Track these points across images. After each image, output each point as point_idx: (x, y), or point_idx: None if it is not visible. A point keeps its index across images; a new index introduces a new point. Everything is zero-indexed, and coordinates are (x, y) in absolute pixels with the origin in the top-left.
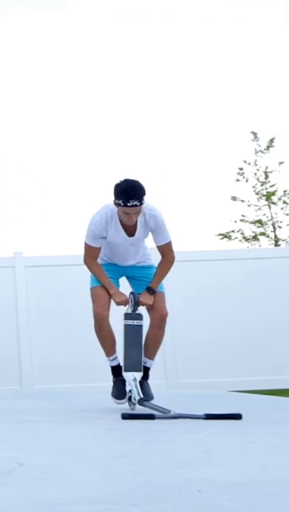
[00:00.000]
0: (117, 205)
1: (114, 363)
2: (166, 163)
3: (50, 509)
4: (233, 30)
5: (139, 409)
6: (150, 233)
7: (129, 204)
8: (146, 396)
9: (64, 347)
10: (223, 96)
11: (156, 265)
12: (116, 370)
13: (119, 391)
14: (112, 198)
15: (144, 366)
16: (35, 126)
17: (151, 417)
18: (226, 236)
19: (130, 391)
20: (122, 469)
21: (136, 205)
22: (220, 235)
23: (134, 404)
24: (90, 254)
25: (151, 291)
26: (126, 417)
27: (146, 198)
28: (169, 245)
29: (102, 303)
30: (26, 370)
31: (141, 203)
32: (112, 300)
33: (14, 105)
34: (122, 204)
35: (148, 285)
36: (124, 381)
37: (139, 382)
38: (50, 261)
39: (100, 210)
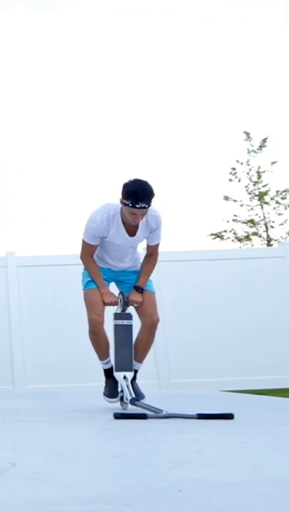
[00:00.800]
0: (125, 205)
1: (108, 366)
2: (159, 162)
3: (43, 509)
4: (227, 30)
5: (132, 408)
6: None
7: (137, 206)
8: (138, 395)
9: (56, 347)
10: (215, 96)
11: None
12: (109, 372)
13: (112, 390)
14: (120, 196)
15: (134, 369)
16: (32, 126)
17: (143, 416)
18: (218, 236)
19: (122, 391)
20: (115, 469)
21: (144, 208)
22: (212, 234)
23: (126, 403)
24: (87, 251)
25: (139, 289)
26: (118, 416)
27: (152, 200)
28: (158, 245)
29: (97, 310)
30: (19, 370)
31: (149, 205)
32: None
33: (13, 104)
34: (131, 205)
35: (135, 284)
36: (116, 381)
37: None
38: (42, 261)
39: (100, 209)
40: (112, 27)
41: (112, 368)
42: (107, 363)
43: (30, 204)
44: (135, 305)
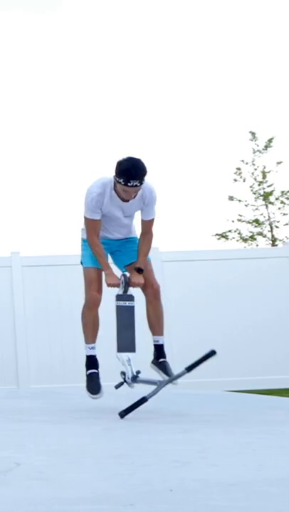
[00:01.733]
0: (118, 182)
1: (92, 352)
2: (164, 162)
3: (47, 509)
4: (232, 30)
5: (131, 399)
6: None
7: (129, 184)
8: (170, 374)
9: (61, 347)
10: (221, 96)
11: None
12: (92, 362)
13: (95, 385)
14: (113, 173)
15: (157, 345)
16: (33, 126)
17: (143, 400)
18: (222, 236)
19: (124, 373)
20: (119, 469)
21: (136, 186)
22: (216, 235)
23: (131, 383)
24: (93, 228)
25: (140, 271)
26: (123, 414)
27: (145, 177)
28: (152, 221)
29: (96, 287)
30: (23, 370)
31: (141, 183)
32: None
33: (14, 105)
34: (123, 183)
35: (135, 266)
36: (97, 374)
37: (161, 362)
38: (47, 261)
39: (96, 182)
40: (111, 28)
41: (95, 357)
42: (92, 348)
43: (35, 204)
44: (138, 286)
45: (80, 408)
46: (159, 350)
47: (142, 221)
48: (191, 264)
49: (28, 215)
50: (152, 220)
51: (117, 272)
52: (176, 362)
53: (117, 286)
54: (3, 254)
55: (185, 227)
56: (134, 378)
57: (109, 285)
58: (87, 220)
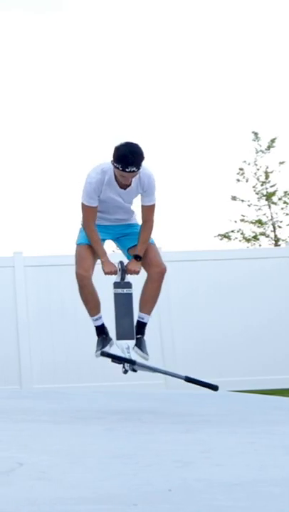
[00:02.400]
0: (116, 167)
1: (98, 323)
2: (167, 162)
3: (50, 509)
4: (234, 29)
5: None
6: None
7: (127, 170)
8: (144, 353)
9: (63, 347)
10: (224, 96)
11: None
12: (100, 330)
13: (103, 342)
14: (112, 158)
15: (141, 322)
16: (35, 126)
17: (131, 362)
18: (225, 236)
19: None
20: (121, 469)
21: (134, 171)
22: (219, 235)
23: (127, 370)
24: (89, 215)
25: (138, 258)
26: (105, 355)
27: (142, 162)
28: (153, 207)
29: (85, 265)
30: (26, 370)
31: (138, 169)
32: (100, 266)
33: (15, 105)
34: (121, 169)
35: (134, 253)
36: (107, 338)
37: (138, 338)
38: (49, 261)
39: (95, 167)
40: (112, 28)
41: (103, 325)
42: (98, 319)
43: (37, 204)
44: (134, 274)
45: (82, 408)
46: (141, 327)
47: (142, 207)
48: (193, 264)
49: (31, 215)
50: (152, 206)
51: (119, 258)
52: (178, 360)
53: (114, 273)
54: (6, 254)
55: (188, 227)
56: (133, 367)
57: (106, 273)
58: (84, 207)
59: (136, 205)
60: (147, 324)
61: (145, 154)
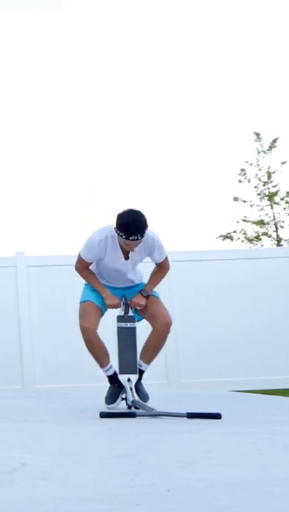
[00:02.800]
0: (119, 235)
1: (110, 373)
2: (168, 163)
3: (52, 509)
4: (235, 30)
5: (121, 408)
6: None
7: (131, 238)
8: (143, 396)
9: (66, 347)
10: (225, 96)
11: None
12: (112, 379)
13: (112, 397)
14: (114, 225)
15: (140, 369)
16: (36, 126)
17: (131, 415)
18: (227, 237)
19: (125, 392)
20: (124, 469)
21: (137, 239)
22: (221, 236)
23: (129, 405)
24: (82, 264)
25: (144, 293)
26: (104, 415)
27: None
28: (165, 261)
29: (90, 318)
30: (28, 370)
31: (142, 237)
32: (102, 310)
33: (16, 106)
34: (124, 237)
35: (142, 289)
36: (120, 388)
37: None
38: (51, 261)
39: (100, 230)
40: (112, 28)
41: (115, 373)
42: (108, 370)
43: (39, 204)
44: (138, 308)
45: (85, 408)
46: (138, 374)
47: (156, 264)
48: (196, 264)
49: (33, 215)
50: (164, 259)
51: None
52: (181, 361)
53: (117, 306)
54: (8, 254)
55: (190, 227)
56: (134, 403)
57: (109, 306)
58: (79, 257)
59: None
60: (144, 372)
61: (148, 222)
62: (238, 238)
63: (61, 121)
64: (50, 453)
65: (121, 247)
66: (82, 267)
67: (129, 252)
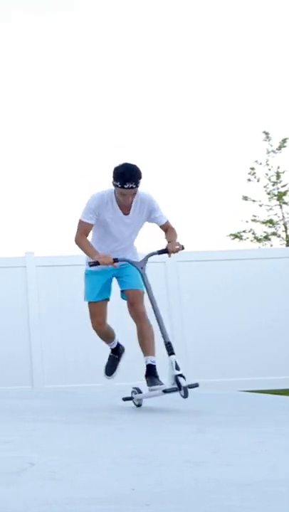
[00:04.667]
0: (115, 186)
1: (114, 346)
2: (178, 163)
3: (61, 509)
4: (245, 30)
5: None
6: (147, 221)
7: (126, 186)
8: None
9: (75, 346)
10: (234, 96)
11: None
12: (115, 350)
13: (109, 367)
14: (111, 179)
15: (151, 364)
16: (38, 126)
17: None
18: (236, 236)
19: (136, 389)
20: (133, 469)
21: (132, 188)
22: (231, 235)
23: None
24: (82, 230)
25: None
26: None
27: (142, 182)
28: (168, 222)
29: (99, 319)
30: (37, 370)
31: (137, 186)
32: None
33: (17, 106)
34: (120, 186)
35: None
36: (116, 358)
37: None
38: (61, 261)
39: (99, 191)
40: (113, 27)
41: (116, 347)
42: (112, 344)
43: (49, 204)
44: (176, 252)
45: (94, 408)
46: (152, 369)
47: (160, 227)
48: (204, 264)
49: (42, 216)
50: (168, 221)
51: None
52: (189, 361)
53: (113, 262)
54: (18, 255)
55: (199, 227)
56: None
57: (102, 263)
58: (80, 223)
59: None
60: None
61: (143, 174)
62: (247, 238)
63: (63, 121)
64: (59, 453)
65: (119, 206)
66: (82, 234)
67: (129, 210)
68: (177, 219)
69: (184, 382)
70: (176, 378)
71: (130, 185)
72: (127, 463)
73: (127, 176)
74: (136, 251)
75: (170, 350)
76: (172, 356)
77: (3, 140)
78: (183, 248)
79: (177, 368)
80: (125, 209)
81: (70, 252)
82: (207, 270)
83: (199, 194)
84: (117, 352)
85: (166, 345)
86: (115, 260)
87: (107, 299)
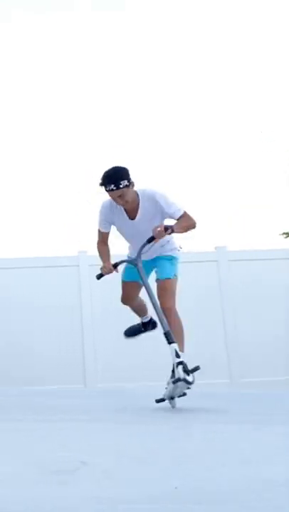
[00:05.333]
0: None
1: (145, 320)
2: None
3: (113, 507)
4: (240, 30)
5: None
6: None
7: (107, 189)
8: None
9: (127, 346)
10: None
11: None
12: (145, 324)
13: (130, 331)
14: None
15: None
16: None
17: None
18: None
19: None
20: (187, 468)
21: (113, 190)
22: (284, 233)
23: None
24: (100, 238)
25: (167, 227)
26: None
27: (125, 183)
28: (184, 215)
29: (127, 296)
30: (90, 369)
31: (117, 187)
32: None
33: (16, 106)
34: (104, 190)
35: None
36: (142, 331)
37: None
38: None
39: (106, 199)
40: (113, 27)
41: (149, 320)
42: (145, 318)
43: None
44: (159, 236)
45: (147, 407)
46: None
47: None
48: (257, 262)
49: (90, 213)
50: (183, 215)
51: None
52: (243, 360)
53: (110, 272)
54: (71, 253)
55: (252, 225)
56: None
57: (104, 273)
58: (98, 231)
59: None
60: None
61: (126, 175)
62: None
63: (62, 119)
64: (112, 453)
65: (125, 210)
66: (99, 241)
67: (136, 212)
68: (229, 218)
69: (180, 374)
70: (174, 367)
71: (110, 188)
72: (180, 462)
73: (106, 179)
74: (171, 240)
75: (169, 339)
76: (172, 345)
77: (3, 139)
78: (172, 231)
79: (177, 356)
80: (131, 213)
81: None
82: (261, 269)
83: (249, 191)
84: (145, 326)
85: (164, 334)
86: (114, 266)
87: (136, 282)
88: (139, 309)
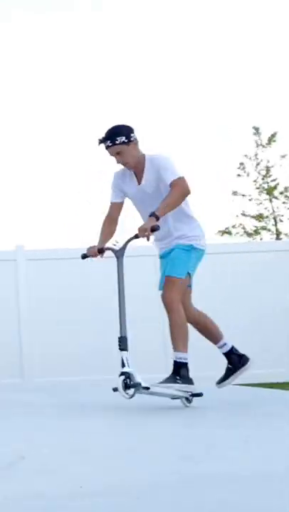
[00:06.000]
0: None
1: (225, 348)
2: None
3: (51, 502)
4: (236, 26)
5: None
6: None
7: (105, 146)
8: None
9: (65, 340)
10: (224, 91)
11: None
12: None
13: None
14: None
15: (176, 362)
16: (35, 123)
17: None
18: (226, 232)
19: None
20: (124, 463)
21: (109, 146)
22: (219, 231)
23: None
24: (108, 212)
25: (152, 215)
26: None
27: (122, 139)
28: (179, 179)
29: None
30: (27, 364)
31: (113, 144)
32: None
33: (15, 105)
34: (105, 149)
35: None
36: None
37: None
38: (51, 254)
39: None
40: (112, 26)
41: (231, 348)
42: (221, 343)
43: (40, 198)
44: (143, 236)
45: (85, 402)
46: (177, 367)
47: (169, 185)
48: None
49: (33, 209)
50: (178, 178)
51: None
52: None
53: (94, 255)
54: (8, 248)
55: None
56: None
57: (90, 255)
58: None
59: None
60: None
61: (126, 131)
62: (237, 233)
63: (61, 117)
64: (50, 446)
65: (135, 174)
66: (106, 216)
67: (141, 177)
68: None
69: (119, 384)
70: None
71: (107, 144)
72: (119, 456)
73: (103, 136)
74: (185, 225)
75: (120, 346)
76: (122, 352)
77: (3, 139)
78: (155, 229)
79: (123, 366)
80: (139, 177)
81: (60, 245)
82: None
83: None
84: (230, 359)
85: (118, 339)
86: (99, 251)
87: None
88: (205, 330)
